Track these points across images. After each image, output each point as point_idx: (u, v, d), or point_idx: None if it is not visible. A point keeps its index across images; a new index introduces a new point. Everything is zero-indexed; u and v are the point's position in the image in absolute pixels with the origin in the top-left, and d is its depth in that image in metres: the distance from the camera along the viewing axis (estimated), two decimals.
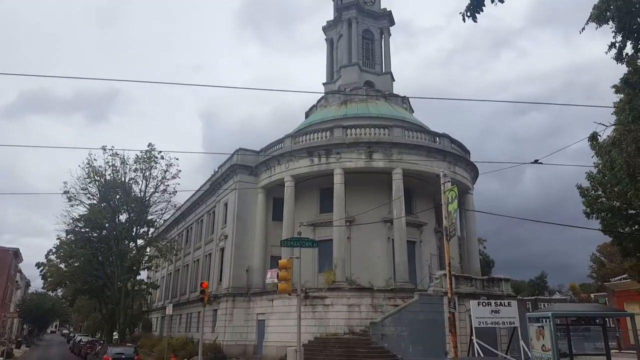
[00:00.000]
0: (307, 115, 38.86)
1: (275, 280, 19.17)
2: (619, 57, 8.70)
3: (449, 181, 28.82)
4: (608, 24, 8.61)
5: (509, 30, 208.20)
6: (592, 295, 55.87)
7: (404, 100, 36.73)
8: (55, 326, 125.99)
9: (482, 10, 6.06)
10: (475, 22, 6.19)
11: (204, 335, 33.26)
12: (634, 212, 17.34)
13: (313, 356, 23.20)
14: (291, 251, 27.58)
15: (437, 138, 30.86)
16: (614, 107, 9.04)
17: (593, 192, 19.03)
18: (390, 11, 40.32)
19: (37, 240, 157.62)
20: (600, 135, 9.24)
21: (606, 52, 8.73)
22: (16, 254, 53.75)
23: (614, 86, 8.87)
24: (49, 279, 41.36)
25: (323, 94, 37.17)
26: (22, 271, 67.59)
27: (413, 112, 37.70)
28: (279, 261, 16.08)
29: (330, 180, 28.94)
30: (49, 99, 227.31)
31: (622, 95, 8.97)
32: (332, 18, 41.23)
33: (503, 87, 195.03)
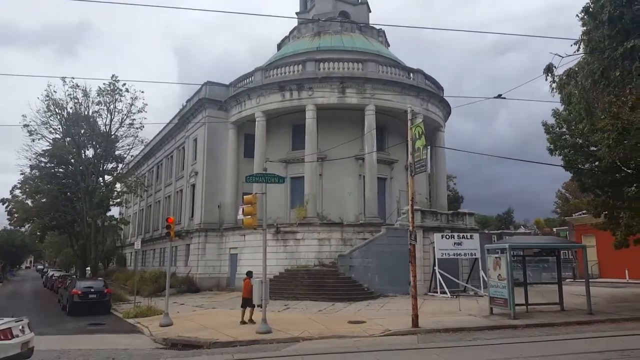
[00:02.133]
0: (279, 47, 37.26)
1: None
2: None
3: (420, 117, 28.79)
4: None
5: None
6: (554, 229, 58.91)
7: (380, 33, 35.47)
8: (30, 262, 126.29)
9: None
10: None
11: (177, 269, 34.09)
12: (594, 149, 17.70)
13: (284, 286, 24.03)
14: (262, 187, 27.65)
15: (412, 74, 30.30)
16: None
17: (558, 129, 19.25)
18: None
19: (4, 176, 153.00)
20: (556, 68, 9.04)
21: None
22: None
23: (577, 15, 8.56)
24: (15, 215, 40.51)
25: (296, 25, 35.45)
26: None
27: (389, 46, 36.60)
28: (244, 197, 15.95)
29: (303, 116, 28.43)
30: (15, 31, 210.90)
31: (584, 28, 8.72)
32: None
33: (483, 27, 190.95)
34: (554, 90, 9.33)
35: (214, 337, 13.42)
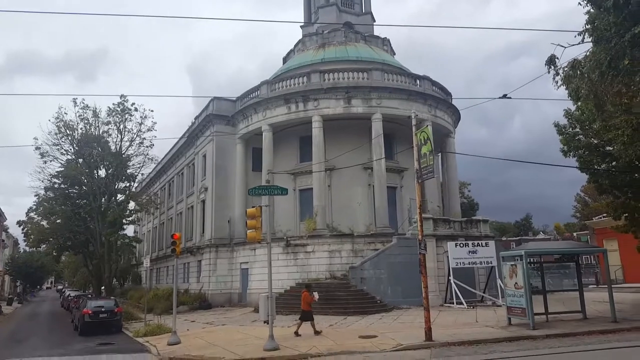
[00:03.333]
0: (284, 60, 37.33)
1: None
2: None
3: (429, 123, 28.30)
4: None
5: None
6: (574, 234, 57.28)
7: (385, 41, 35.28)
8: (51, 282, 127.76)
9: None
10: None
11: (189, 286, 33.89)
12: (610, 149, 16.98)
13: (294, 301, 23.51)
14: (270, 200, 27.39)
15: (418, 80, 29.91)
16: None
17: (571, 129, 18.59)
18: None
19: (21, 198, 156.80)
20: (558, 59, 8.54)
21: None
22: None
23: (579, 4, 8.07)
24: (31, 237, 40.89)
25: (300, 38, 35.50)
26: (10, 230, 67.23)
27: (395, 54, 36.34)
28: (247, 210, 15.63)
29: (310, 128, 28.22)
30: (39, 60, 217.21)
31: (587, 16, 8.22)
32: None
33: (494, 35, 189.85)
34: (559, 83, 8.83)
35: (220, 356, 13.04)
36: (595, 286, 31.11)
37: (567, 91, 9.24)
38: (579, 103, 16.12)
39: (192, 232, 36.67)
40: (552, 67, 8.65)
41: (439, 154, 33.56)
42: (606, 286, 17.51)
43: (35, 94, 29.58)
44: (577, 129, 18.49)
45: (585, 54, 8.69)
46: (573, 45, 8.31)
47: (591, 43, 8.24)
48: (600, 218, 33.40)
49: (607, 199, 20.38)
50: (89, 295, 37.28)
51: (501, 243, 35.39)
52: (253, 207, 17.71)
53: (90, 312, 21.87)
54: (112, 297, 27.89)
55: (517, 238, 58.57)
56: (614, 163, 17.73)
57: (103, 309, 22.34)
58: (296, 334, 15.44)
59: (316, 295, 16.83)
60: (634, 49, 6.99)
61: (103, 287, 40.83)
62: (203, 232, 33.81)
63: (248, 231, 16.01)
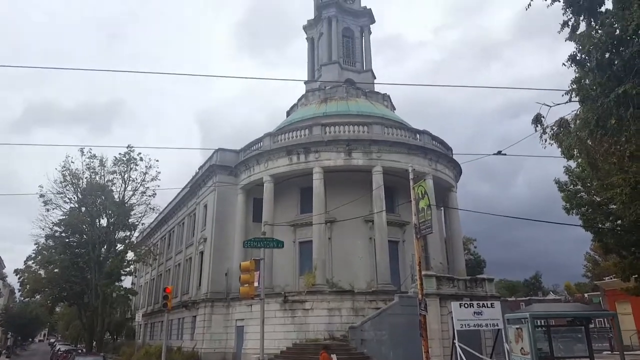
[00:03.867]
0: (288, 114, 38.09)
1: (256, 284, 18.35)
2: (572, 37, 8.00)
3: (430, 177, 28.12)
4: (559, 1, 7.93)
5: (495, 41, 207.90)
6: (585, 295, 55.17)
7: (385, 97, 36.05)
8: (44, 335, 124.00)
9: None
10: None
11: (183, 343, 32.51)
12: (614, 207, 16.54)
13: None
14: (270, 252, 26.76)
15: (418, 135, 30.15)
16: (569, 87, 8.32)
17: (572, 186, 18.27)
18: (370, 9, 39.78)
19: (20, 246, 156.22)
20: (544, 117, 8.47)
21: (559, 32, 8.04)
22: None
23: (564, 64, 8.12)
24: (27, 286, 40.14)
25: (304, 93, 36.41)
26: (9, 278, 66.33)
27: (395, 109, 37.00)
28: (241, 263, 15.14)
29: (311, 179, 28.17)
30: (54, 112, 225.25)
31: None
32: (312, 17, 40.56)
33: (493, 93, 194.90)
34: (547, 141, 8.72)
35: None
36: (609, 352, 29.31)
37: (559, 149, 9.11)
38: (579, 160, 15.92)
39: (189, 285, 35.77)
40: (539, 125, 8.59)
41: (442, 209, 33.14)
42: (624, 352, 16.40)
43: (43, 144, 30.09)
44: (579, 186, 18.17)
45: (574, 112, 8.65)
46: (559, 104, 8.29)
47: (578, 103, 8.21)
48: (611, 279, 32.21)
49: (615, 258, 19.64)
50: (79, 351, 35.87)
51: (509, 303, 34.05)
52: (257, 260, 17.28)
53: None
54: (101, 354, 26.85)
55: (527, 298, 56.49)
56: (618, 222, 17.21)
57: None
58: None
59: (335, 357, 15.92)
60: (619, 109, 6.90)
61: (95, 342, 39.47)
62: (200, 285, 32.92)
63: (241, 286, 15.48)
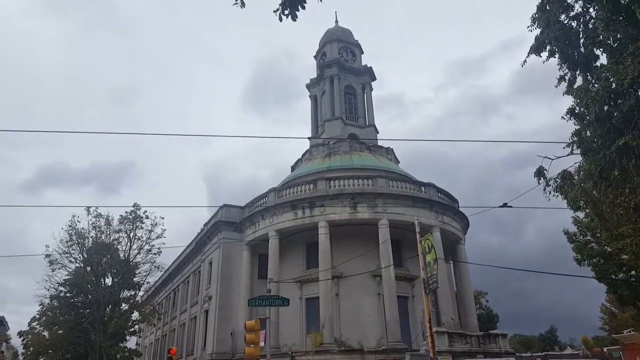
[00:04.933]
0: (292, 169, 38.61)
1: (262, 344, 17.85)
2: (569, 91, 8.29)
3: (437, 230, 27.95)
4: (555, 57, 8.30)
5: (495, 97, 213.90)
6: (605, 350, 52.69)
7: (388, 151, 36.60)
8: None
9: (304, 8, 5.66)
10: (294, 20, 5.77)
11: None
12: (626, 257, 16.27)
13: None
14: (276, 310, 26.13)
15: (423, 187, 30.31)
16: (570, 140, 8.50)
17: (582, 237, 18.08)
18: (371, 67, 41.36)
19: (27, 307, 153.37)
20: (546, 170, 8.60)
21: (556, 86, 8.35)
22: (1, 322, 51.51)
23: (562, 117, 8.36)
24: (30, 348, 39.07)
25: (308, 148, 37.11)
26: (12, 340, 64.59)
27: (399, 162, 37.43)
28: (246, 322, 14.83)
29: (316, 234, 28.05)
30: (65, 172, 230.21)
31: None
32: (315, 76, 42.18)
33: (496, 146, 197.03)
34: (551, 194, 8.79)
35: None
36: None
37: (564, 201, 9.20)
38: (588, 211, 15.88)
39: (194, 345, 34.73)
40: (542, 178, 8.72)
41: (451, 262, 32.61)
42: None
43: (50, 205, 30.55)
44: (588, 237, 17.98)
45: (577, 164, 8.80)
46: (560, 157, 8.47)
47: (579, 155, 8.38)
48: (630, 332, 30.94)
49: (632, 310, 19.03)
50: None
51: (525, 359, 32.56)
52: (263, 319, 16.88)
53: None
54: None
55: (543, 353, 53.79)
56: (632, 272, 16.86)
57: None
58: None
59: None
60: (622, 160, 7.02)
61: None
62: (204, 345, 31.98)
63: (246, 346, 15.07)
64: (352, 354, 24.76)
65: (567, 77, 8.35)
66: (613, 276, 16.79)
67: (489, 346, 24.54)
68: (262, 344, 16.94)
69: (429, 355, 21.61)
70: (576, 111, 8.20)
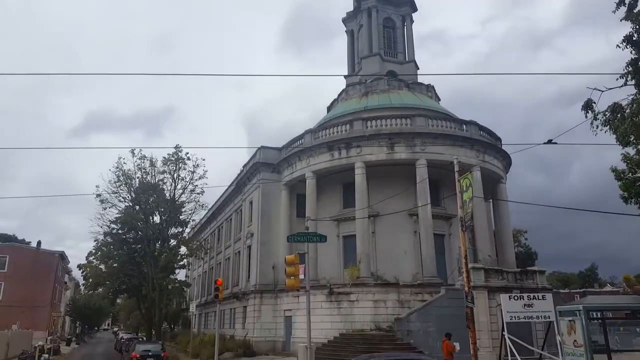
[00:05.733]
0: (328, 109, 38.29)
1: (302, 276, 18.91)
2: (629, 16, 7.64)
3: (477, 170, 27.54)
4: None
5: (545, 31, 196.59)
6: None
7: (429, 88, 35.40)
8: (108, 324, 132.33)
9: None
10: None
11: (235, 332, 33.85)
12: None
13: (336, 353, 22.78)
14: (314, 247, 27.27)
15: (465, 125, 29.50)
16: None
17: (630, 174, 17.36)
18: None
19: (82, 242, 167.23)
20: (595, 103, 8.14)
21: (614, 11, 7.69)
22: (62, 257, 56.44)
23: (618, 46, 7.72)
24: (90, 280, 42.96)
25: (344, 87, 36.45)
26: (73, 273, 71.33)
27: (439, 100, 36.28)
28: (286, 257, 15.68)
29: (353, 174, 28.34)
30: (112, 118, 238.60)
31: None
32: (352, 9, 40.35)
33: (545, 83, 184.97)
34: (599, 128, 8.40)
35: None
36: None
37: (613, 136, 8.76)
38: (638, 147, 15.13)
39: (239, 278, 37.05)
40: (590, 111, 8.29)
41: (490, 201, 32.35)
42: None
43: (98, 147, 31.94)
44: (638, 174, 17.23)
45: (630, 97, 8.28)
46: (612, 88, 7.97)
47: (633, 87, 7.86)
48: None
49: None
50: (140, 339, 38.13)
51: (563, 296, 32.84)
52: (302, 254, 17.78)
53: (138, 355, 22.44)
54: (159, 342, 28.42)
55: (582, 290, 54.07)
56: None
57: (150, 353, 22.81)
58: None
59: (457, 345, 16.36)
60: None
61: (153, 331, 41.84)
62: (249, 277, 34.07)
63: (287, 279, 16.02)
64: (388, 287, 25.76)
65: (627, 0, 7.64)
66: None
67: (525, 282, 24.84)
68: (301, 276, 17.92)
69: (464, 289, 22.22)
70: (634, 38, 7.59)
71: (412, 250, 28.32)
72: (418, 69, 37.77)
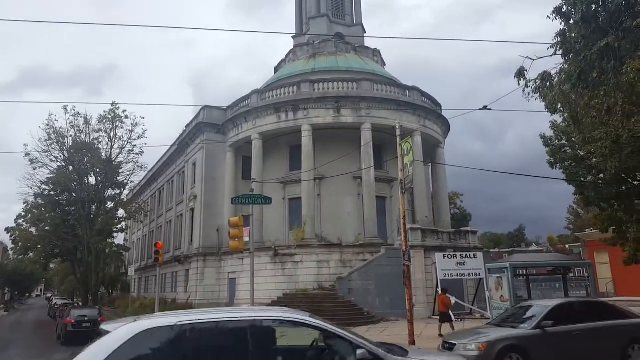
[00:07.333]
0: (276, 70, 37.38)
1: (246, 239, 18.80)
2: None
3: (418, 134, 28.32)
4: None
5: (489, 4, 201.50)
6: (567, 246, 57.12)
7: (375, 52, 35.43)
8: (41, 290, 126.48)
9: None
10: None
11: (177, 295, 33.54)
12: (595, 160, 16.94)
13: None
14: (261, 209, 27.18)
15: (407, 91, 30.00)
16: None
17: (557, 141, 18.59)
18: None
19: (7, 205, 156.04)
20: (527, 71, 8.51)
21: None
22: None
23: (548, 17, 8.05)
24: (19, 244, 40.45)
25: (292, 48, 35.58)
26: (0, 237, 66.78)
27: (385, 65, 36.47)
28: (230, 219, 15.48)
29: (300, 137, 28.15)
30: (48, 75, 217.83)
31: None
32: None
33: (485, 54, 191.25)
34: (530, 95, 8.80)
35: None
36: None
37: (543, 103, 9.23)
38: (565, 115, 16.11)
39: (181, 241, 36.36)
40: (522, 79, 8.63)
41: (429, 165, 33.55)
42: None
43: (27, 102, 29.17)
44: (563, 141, 18.48)
45: (559, 66, 8.68)
46: (542, 57, 8.32)
47: (561, 56, 8.24)
48: (591, 230, 33.37)
49: (595, 211, 20.32)
50: (76, 304, 36.77)
51: (493, 255, 35.24)
52: (247, 216, 17.62)
53: (73, 321, 21.45)
54: (96, 307, 27.50)
55: (510, 249, 58.19)
56: (600, 175, 17.68)
57: (86, 319, 21.89)
58: (440, 335, 15.29)
59: (453, 299, 17.84)
60: (602, 62, 6.96)
61: (90, 296, 40.48)
62: (192, 241, 33.51)
63: (230, 241, 15.88)
64: (331, 248, 26.38)
65: None
66: (582, 179, 17.63)
67: (459, 242, 26.36)
68: (246, 239, 17.85)
69: (402, 248, 23.18)
70: (563, 10, 7.90)
71: (355, 212, 28.99)
72: (365, 32, 37.55)
